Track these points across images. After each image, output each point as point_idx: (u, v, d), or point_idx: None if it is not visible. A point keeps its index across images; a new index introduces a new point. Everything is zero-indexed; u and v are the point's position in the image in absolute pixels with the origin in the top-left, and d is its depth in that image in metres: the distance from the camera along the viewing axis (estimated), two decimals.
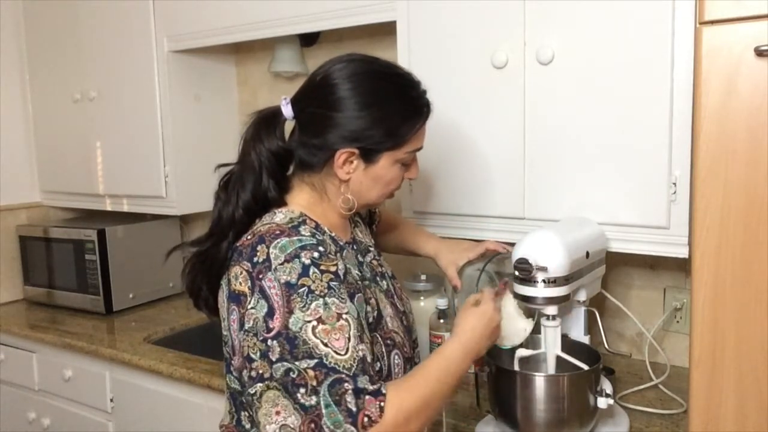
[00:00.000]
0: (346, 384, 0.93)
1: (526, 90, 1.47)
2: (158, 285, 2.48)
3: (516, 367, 1.32)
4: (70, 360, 2.11)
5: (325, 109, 1.09)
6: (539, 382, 1.22)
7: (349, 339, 0.97)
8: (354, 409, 0.92)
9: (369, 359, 0.98)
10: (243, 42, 2.09)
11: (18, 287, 2.61)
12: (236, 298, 1.02)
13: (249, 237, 1.06)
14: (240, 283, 1.02)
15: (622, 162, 1.38)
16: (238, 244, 1.07)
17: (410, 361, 1.20)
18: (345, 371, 0.94)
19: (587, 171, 1.42)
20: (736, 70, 0.95)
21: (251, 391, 0.98)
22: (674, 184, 1.32)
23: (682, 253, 1.34)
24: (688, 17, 1.26)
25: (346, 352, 0.95)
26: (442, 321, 1.67)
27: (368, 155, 1.10)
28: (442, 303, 1.67)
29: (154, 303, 2.45)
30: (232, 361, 1.08)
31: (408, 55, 1.63)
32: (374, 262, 1.25)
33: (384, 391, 0.95)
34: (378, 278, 1.22)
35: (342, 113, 1.08)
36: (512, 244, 1.30)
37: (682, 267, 1.64)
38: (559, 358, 1.28)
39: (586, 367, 1.25)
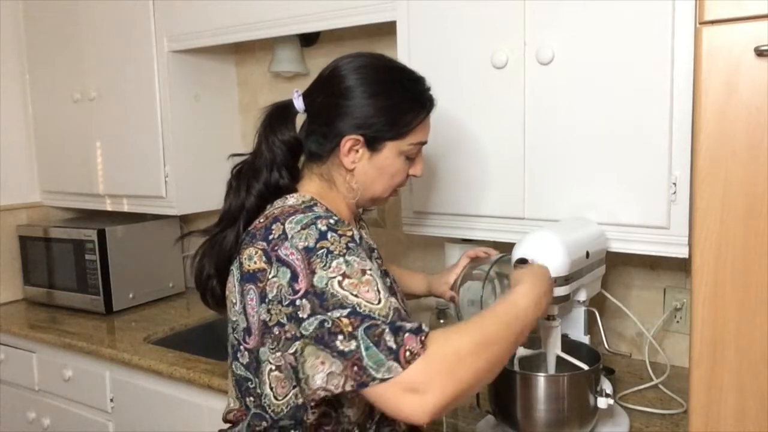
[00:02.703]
0: (382, 327, 0.91)
1: (526, 90, 1.47)
2: (158, 285, 2.48)
3: (516, 367, 1.32)
4: (70, 360, 2.11)
5: (334, 98, 1.14)
6: (539, 382, 1.22)
7: (378, 291, 0.96)
8: (394, 346, 0.89)
9: (403, 312, 0.96)
10: (243, 42, 2.09)
11: (18, 287, 2.61)
12: (252, 277, 1.04)
13: (262, 220, 1.08)
14: (255, 262, 1.03)
15: (622, 162, 1.38)
16: (250, 228, 1.09)
17: None
18: (381, 318, 0.92)
19: (587, 171, 1.42)
20: (736, 70, 0.95)
21: (291, 350, 0.97)
22: (674, 184, 1.32)
23: (682, 253, 1.34)
24: (688, 17, 1.26)
25: (379, 302, 0.94)
26: (441, 321, 1.67)
27: (372, 143, 1.13)
28: (441, 304, 1.67)
29: (154, 303, 2.45)
30: (244, 344, 1.08)
31: (408, 55, 1.63)
32: (378, 261, 1.26)
33: (425, 329, 0.93)
34: (383, 275, 1.23)
35: (349, 101, 1.12)
36: (512, 244, 1.30)
37: (682, 267, 1.64)
38: (559, 358, 1.28)
39: (586, 367, 1.25)
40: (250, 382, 1.10)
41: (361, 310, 0.92)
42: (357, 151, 1.14)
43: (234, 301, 1.09)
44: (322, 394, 0.94)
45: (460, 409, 1.47)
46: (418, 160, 1.21)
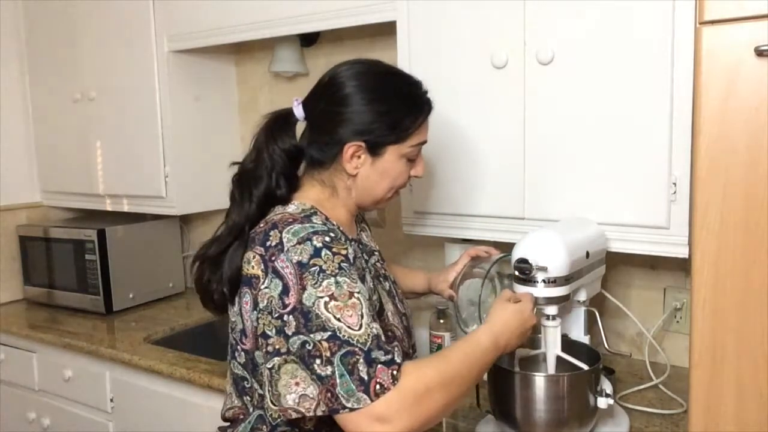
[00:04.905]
0: (358, 356, 0.95)
1: (526, 90, 1.47)
2: (158, 285, 2.48)
3: (516, 367, 1.32)
4: (70, 360, 2.11)
5: (333, 106, 1.15)
6: (539, 382, 1.21)
7: (362, 316, 0.98)
8: (366, 377, 0.94)
9: (383, 338, 0.99)
10: (243, 42, 2.09)
11: (18, 287, 2.60)
12: (248, 281, 1.05)
13: (262, 225, 1.10)
14: (252, 267, 1.05)
15: (622, 162, 1.38)
16: (251, 232, 1.10)
17: (408, 357, 1.21)
18: (359, 345, 0.96)
19: (587, 171, 1.42)
20: (736, 70, 0.95)
21: (269, 365, 1.00)
22: (674, 184, 1.32)
23: (682, 253, 1.34)
24: (688, 17, 1.26)
25: (360, 328, 0.97)
26: (441, 321, 1.67)
27: (374, 148, 1.15)
28: (441, 303, 1.67)
29: (154, 303, 2.45)
30: (241, 345, 1.10)
31: (408, 55, 1.63)
32: (378, 264, 1.27)
33: (398, 361, 0.96)
34: (381, 279, 1.24)
35: (349, 108, 1.13)
36: (512, 244, 1.30)
37: (682, 267, 1.64)
38: (559, 358, 1.28)
39: (586, 367, 1.25)
40: (246, 382, 1.12)
41: (341, 335, 0.96)
42: (359, 156, 1.15)
43: (234, 302, 1.10)
44: (294, 415, 0.97)
45: (460, 409, 1.47)
46: (418, 160, 1.22)
